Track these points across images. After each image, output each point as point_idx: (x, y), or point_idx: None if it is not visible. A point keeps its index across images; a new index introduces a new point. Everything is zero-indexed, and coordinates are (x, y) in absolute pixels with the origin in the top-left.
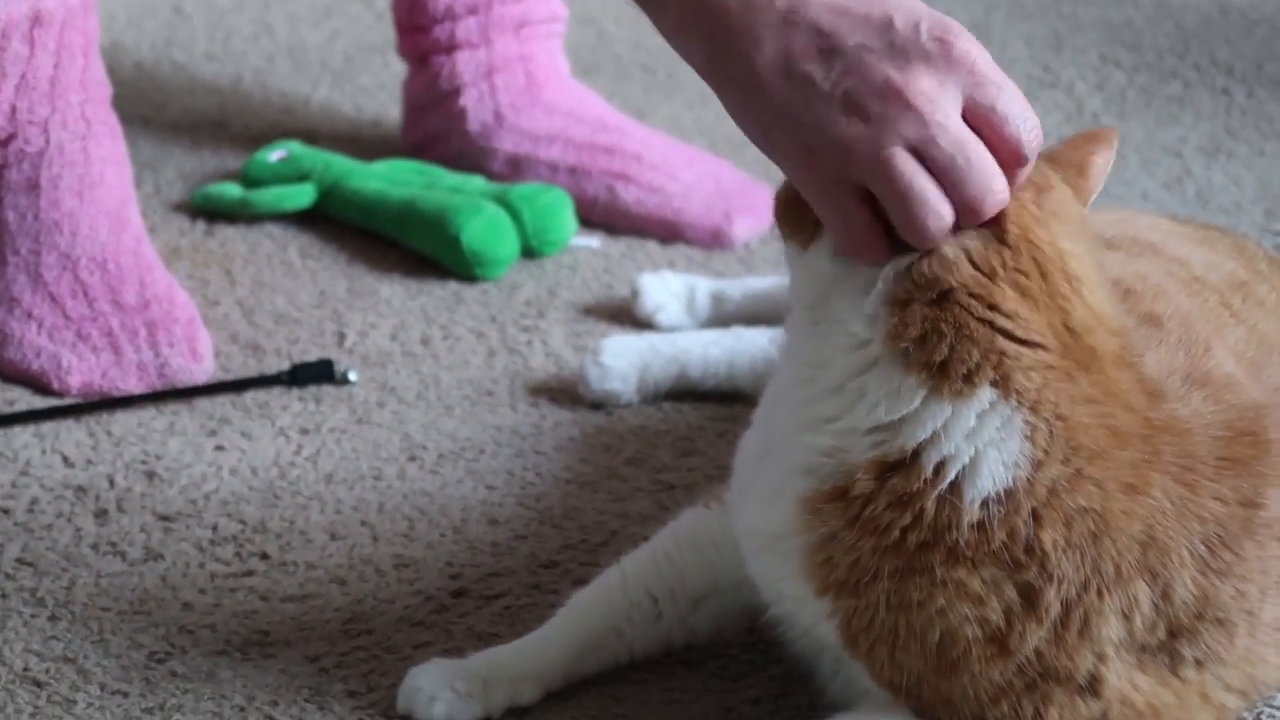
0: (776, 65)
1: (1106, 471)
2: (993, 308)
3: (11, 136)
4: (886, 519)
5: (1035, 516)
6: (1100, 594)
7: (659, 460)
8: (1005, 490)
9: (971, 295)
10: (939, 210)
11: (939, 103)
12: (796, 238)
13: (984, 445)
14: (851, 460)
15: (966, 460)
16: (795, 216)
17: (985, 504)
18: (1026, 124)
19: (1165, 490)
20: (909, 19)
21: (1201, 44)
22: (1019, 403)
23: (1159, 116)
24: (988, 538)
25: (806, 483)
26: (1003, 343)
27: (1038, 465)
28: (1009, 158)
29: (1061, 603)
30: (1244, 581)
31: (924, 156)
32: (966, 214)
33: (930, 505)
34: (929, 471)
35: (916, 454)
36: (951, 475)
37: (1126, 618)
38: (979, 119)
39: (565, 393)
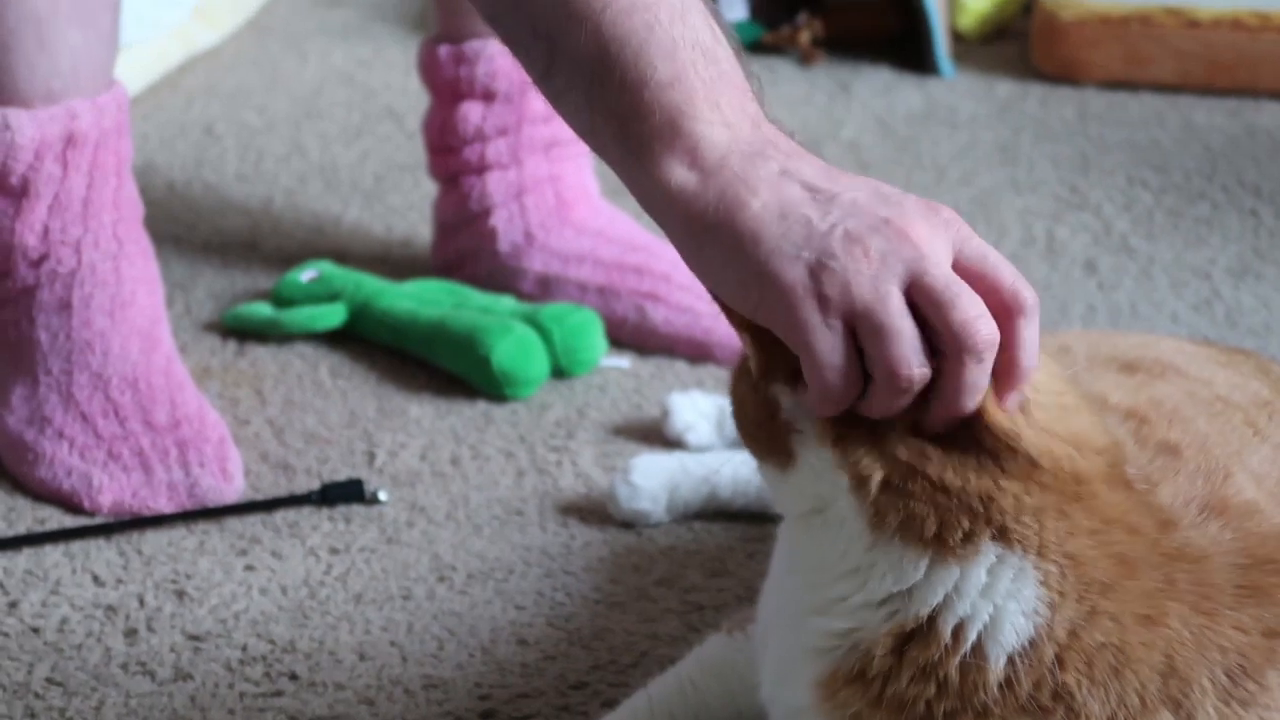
0: (772, 210)
1: (1121, 604)
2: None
3: (44, 257)
4: (911, 694)
5: (1058, 661)
6: None
7: (689, 581)
8: (1030, 641)
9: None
10: (921, 359)
11: (934, 243)
12: (774, 459)
13: (1001, 600)
14: (866, 637)
15: (986, 619)
16: (766, 438)
17: (1011, 660)
18: (1021, 280)
19: (1183, 619)
20: (893, 188)
21: (1229, 165)
22: (1024, 550)
23: (1187, 238)
24: (1016, 693)
25: (821, 665)
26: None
27: (1055, 608)
28: (1004, 306)
29: None
30: (1269, 711)
31: (918, 289)
32: (952, 344)
33: (954, 673)
34: (948, 637)
35: (933, 620)
36: (973, 637)
37: None
38: (970, 271)
39: (595, 513)
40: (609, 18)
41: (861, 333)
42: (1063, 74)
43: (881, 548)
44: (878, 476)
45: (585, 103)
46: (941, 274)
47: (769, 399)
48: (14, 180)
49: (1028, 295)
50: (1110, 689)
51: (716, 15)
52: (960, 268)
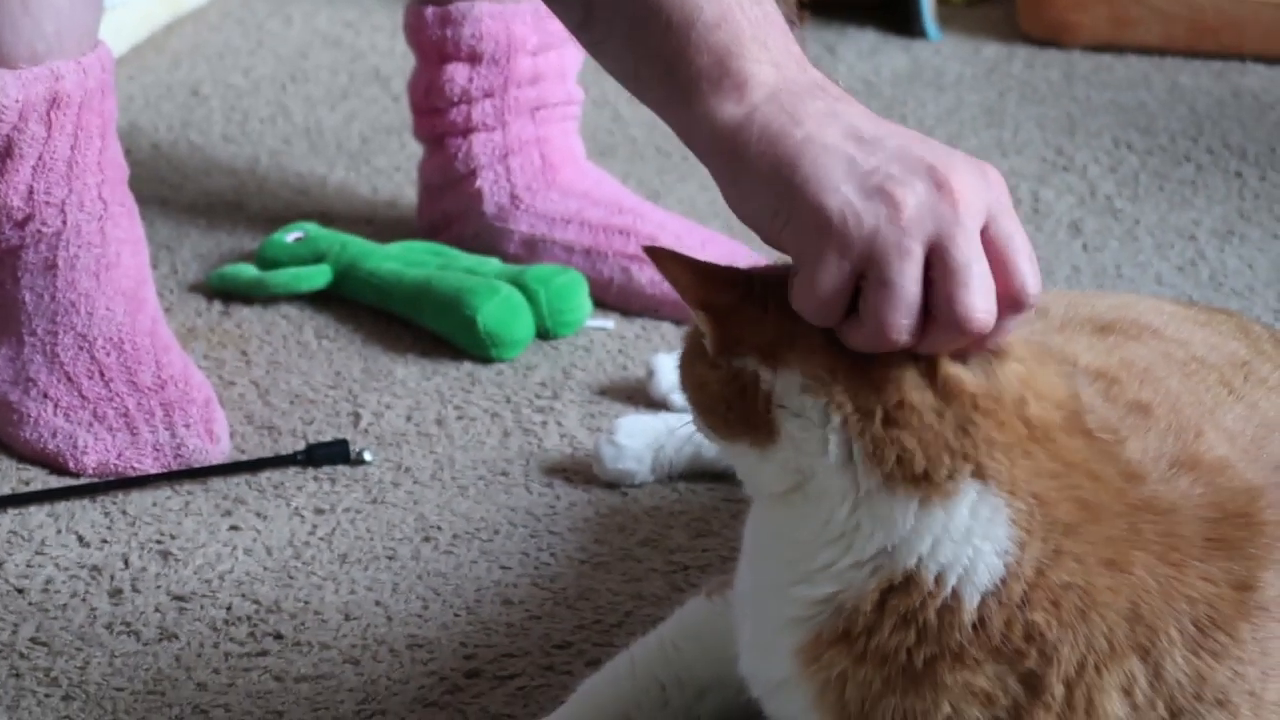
0: (815, 142)
1: (1085, 546)
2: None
3: (29, 217)
4: (893, 644)
5: (1026, 599)
6: (1099, 670)
7: (673, 541)
8: (1000, 579)
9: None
10: (912, 326)
11: (971, 205)
12: (749, 437)
13: (979, 540)
14: (851, 597)
15: (966, 561)
16: (739, 417)
17: (983, 599)
18: (1035, 274)
19: (1148, 568)
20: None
21: (1214, 127)
22: (998, 486)
23: (1172, 200)
24: (988, 633)
25: (802, 633)
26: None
27: (1024, 546)
28: (1008, 296)
29: (1064, 684)
30: (1242, 664)
31: (938, 253)
32: (946, 324)
33: (933, 617)
34: (931, 583)
35: (917, 568)
36: (952, 580)
37: (1128, 694)
38: (993, 247)
39: (580, 473)
40: None
41: (868, 277)
42: (1049, 36)
43: (868, 504)
44: (878, 412)
45: (628, 46)
46: (966, 247)
47: (737, 374)
48: None
49: (1032, 295)
50: (1078, 631)
51: None
52: (985, 238)
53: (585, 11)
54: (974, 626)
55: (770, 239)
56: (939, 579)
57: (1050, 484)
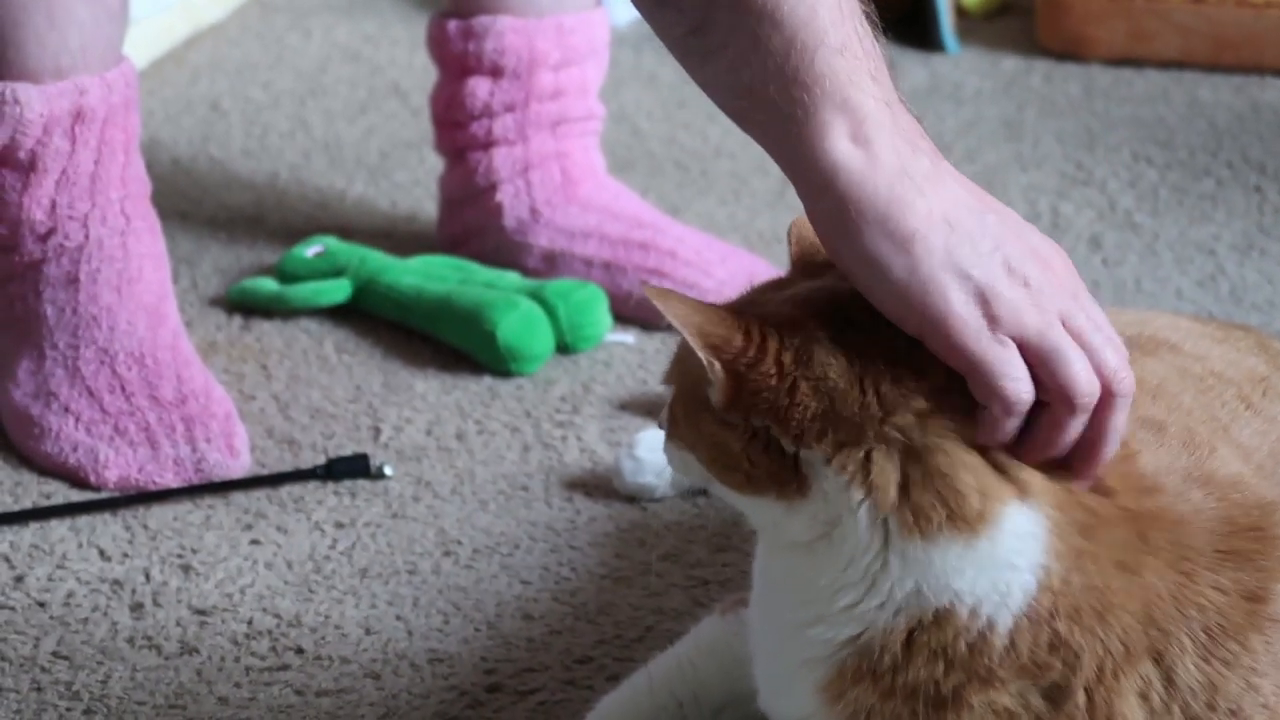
0: (938, 217)
1: (1098, 547)
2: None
3: (51, 231)
4: (922, 677)
5: (1054, 610)
6: (1116, 675)
7: (694, 556)
8: (1033, 597)
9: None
10: (1093, 379)
11: (1079, 286)
12: (778, 491)
13: (1018, 560)
14: (873, 637)
15: (1003, 587)
16: (766, 473)
17: (1016, 621)
18: (1124, 360)
19: (1158, 573)
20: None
21: (1234, 142)
22: (1036, 501)
23: (1192, 214)
24: (1017, 652)
25: (824, 670)
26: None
27: (1056, 556)
28: (1104, 383)
29: (1085, 690)
30: (1255, 675)
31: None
32: (1065, 394)
33: (964, 648)
34: (965, 617)
35: (951, 606)
36: (988, 610)
37: (1144, 698)
38: (1080, 334)
39: (600, 488)
40: None
41: (1032, 358)
42: (1068, 50)
43: (901, 549)
44: (919, 472)
45: (743, 61)
46: (1090, 318)
47: (757, 433)
48: (22, 155)
49: (1127, 383)
50: (1097, 634)
51: None
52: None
53: (702, 16)
54: (1005, 650)
55: (897, 314)
56: (974, 612)
57: (1065, 491)
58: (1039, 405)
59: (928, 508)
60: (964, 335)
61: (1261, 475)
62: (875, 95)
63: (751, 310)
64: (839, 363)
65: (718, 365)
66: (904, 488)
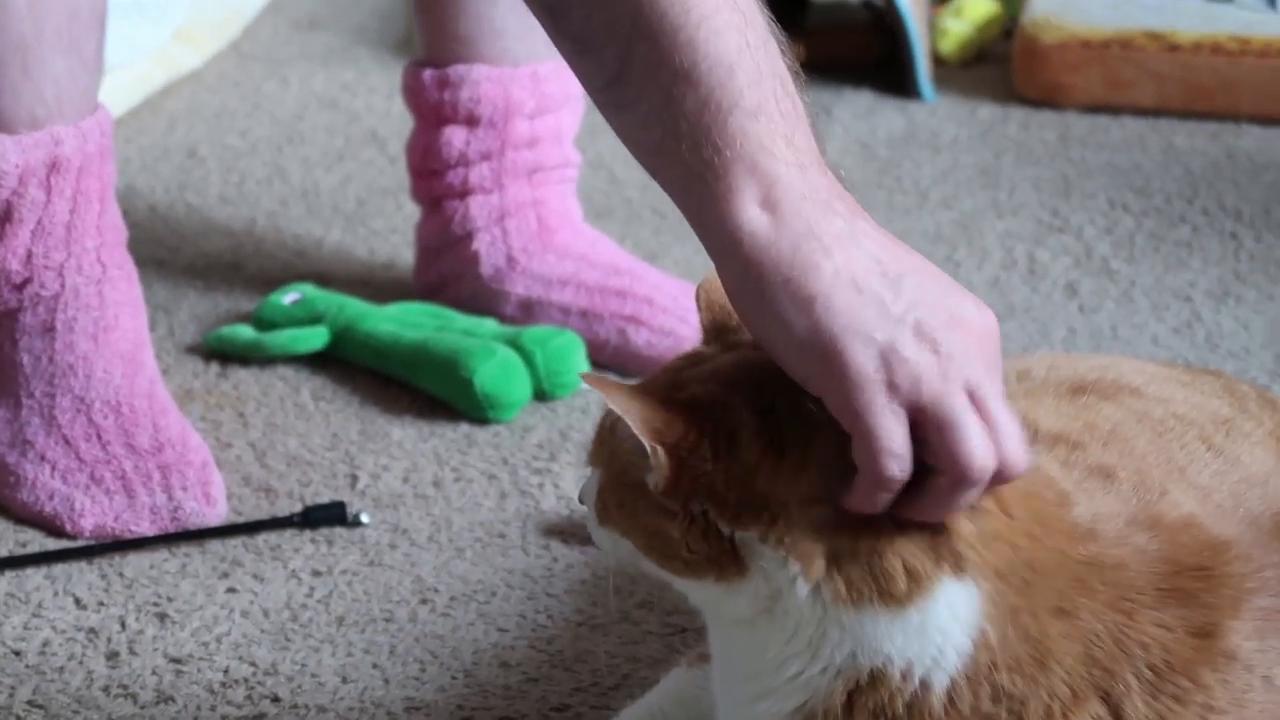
0: (844, 278)
1: (1033, 599)
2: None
3: (27, 280)
4: None
5: (992, 665)
6: (1065, 716)
7: (670, 603)
8: (969, 657)
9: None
10: (988, 453)
11: (993, 356)
12: (716, 573)
13: (948, 626)
14: (817, 704)
15: (935, 651)
16: (705, 558)
17: (953, 681)
18: (1025, 447)
19: (1095, 614)
20: (942, 274)
21: (1210, 189)
22: (972, 575)
23: (1168, 261)
24: (959, 709)
25: None
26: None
27: (990, 620)
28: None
29: None
30: (1212, 712)
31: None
32: (959, 467)
33: (901, 709)
34: (898, 679)
35: (882, 667)
36: (920, 672)
37: None
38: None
39: (577, 535)
40: (703, 34)
41: (929, 426)
42: (1044, 98)
43: (836, 619)
44: (849, 554)
45: (655, 118)
46: (994, 397)
47: (695, 518)
48: None
49: (1021, 465)
50: (1039, 681)
51: (782, 39)
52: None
53: (619, 69)
54: (945, 708)
55: (800, 376)
56: (906, 673)
57: (1001, 549)
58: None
59: (858, 580)
60: (856, 399)
61: (1221, 515)
62: (788, 160)
63: (681, 392)
64: (759, 443)
65: (661, 451)
66: (833, 559)
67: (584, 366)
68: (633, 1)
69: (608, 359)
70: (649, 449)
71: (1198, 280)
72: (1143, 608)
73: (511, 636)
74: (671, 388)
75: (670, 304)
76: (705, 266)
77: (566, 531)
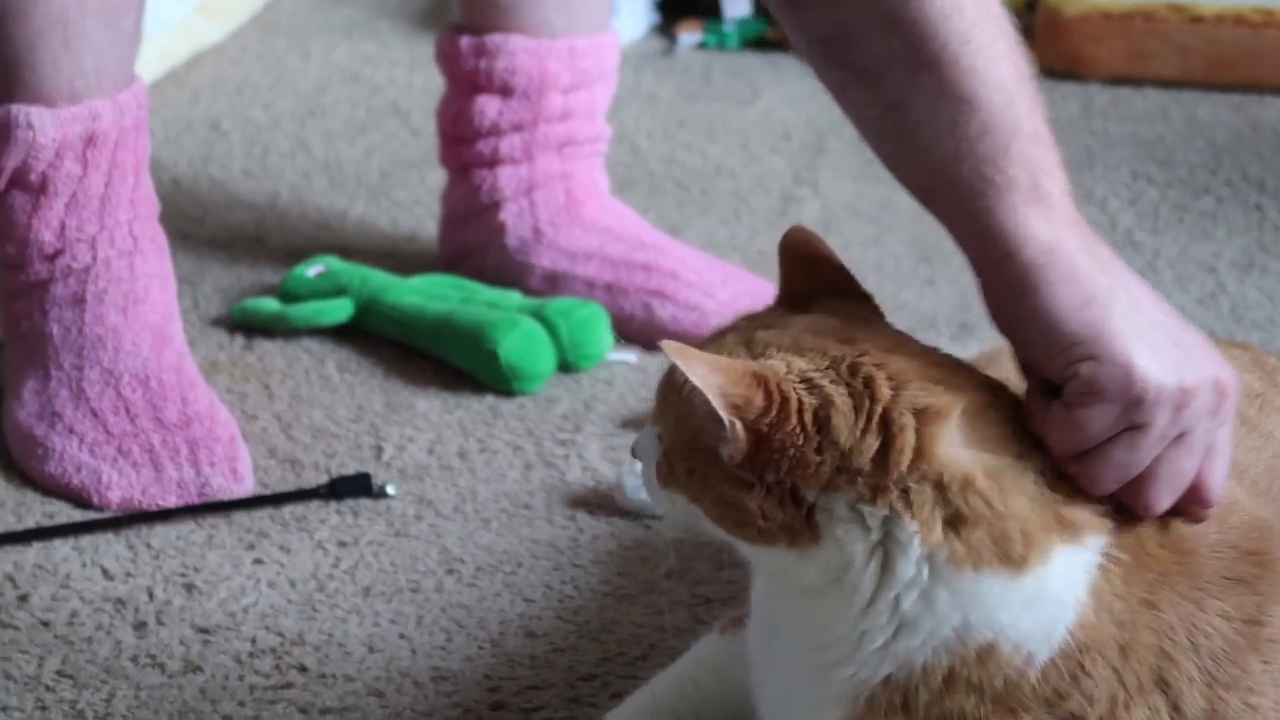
0: (1120, 290)
1: (1132, 585)
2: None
3: (59, 252)
4: (952, 707)
5: (1085, 646)
6: (1127, 706)
7: (697, 573)
8: (1070, 633)
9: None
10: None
11: (1230, 419)
12: (789, 541)
13: (1065, 596)
14: (907, 673)
15: (1047, 624)
16: (780, 526)
17: (1051, 656)
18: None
19: (1173, 606)
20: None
21: (1233, 160)
22: (1081, 546)
23: (1192, 232)
24: (1045, 683)
25: (849, 709)
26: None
27: (1097, 595)
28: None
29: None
30: (1253, 694)
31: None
32: (1171, 485)
33: (1000, 683)
34: (1008, 653)
35: (994, 641)
36: (1029, 646)
37: None
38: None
39: (602, 506)
40: (982, 63)
41: (1144, 430)
42: (1066, 70)
43: (949, 584)
44: (963, 514)
45: (938, 141)
46: (1226, 453)
47: (772, 488)
48: (33, 177)
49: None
50: (1117, 669)
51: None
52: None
53: (900, 96)
54: (1037, 681)
55: (1045, 360)
56: (1017, 646)
57: (1110, 532)
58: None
59: (976, 543)
60: (1133, 403)
61: (1255, 493)
62: (1061, 186)
63: (759, 359)
64: (863, 409)
65: (739, 426)
66: (950, 523)
67: (609, 338)
68: (913, 33)
69: (633, 333)
70: (727, 423)
71: (1222, 251)
72: (1210, 596)
73: (538, 607)
74: (749, 354)
75: (695, 278)
76: (729, 240)
77: (592, 502)
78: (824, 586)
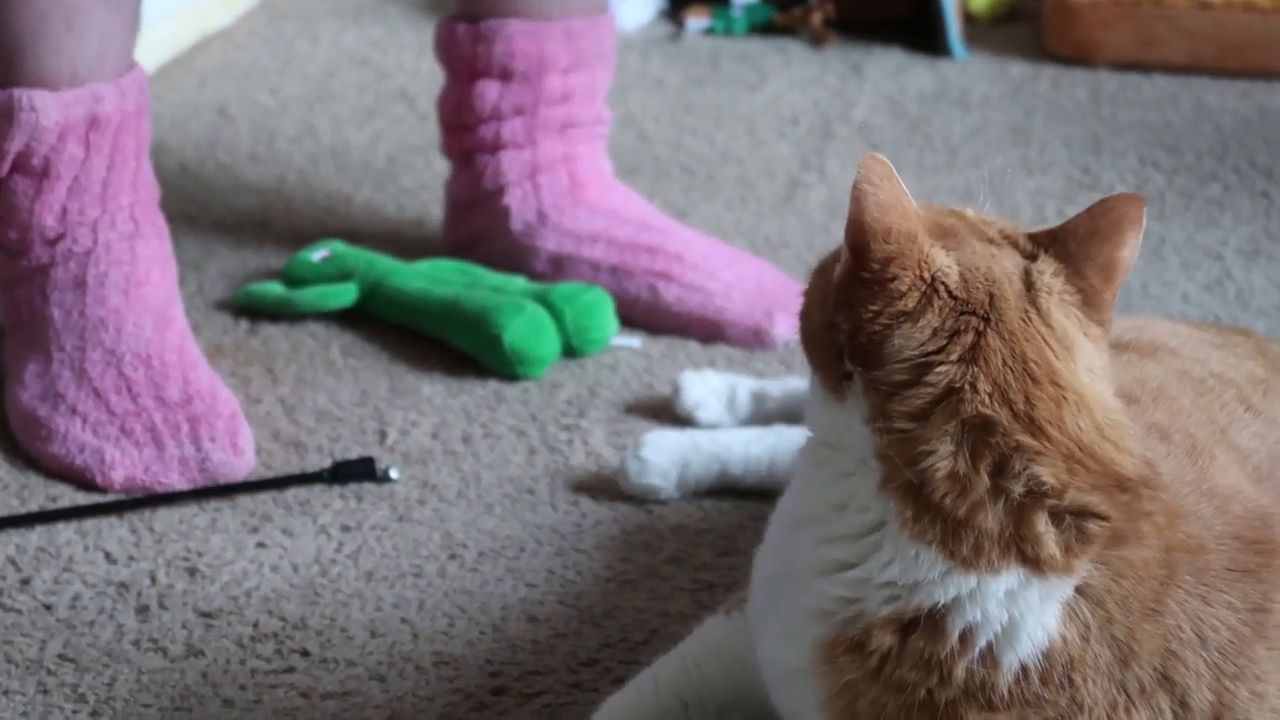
0: None
1: (1130, 608)
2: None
3: (61, 236)
4: (912, 678)
5: (1071, 663)
6: (1128, 711)
7: (699, 559)
8: (1044, 651)
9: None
10: None
11: None
12: (825, 376)
13: (1020, 611)
14: (867, 610)
15: (999, 628)
16: (821, 355)
17: (1024, 664)
18: None
19: (1181, 606)
20: None
21: (1240, 147)
22: (1049, 579)
23: (1199, 219)
24: (1024, 690)
25: (822, 628)
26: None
27: (1072, 626)
28: None
29: None
30: (1260, 682)
31: None
32: None
33: (961, 671)
34: (955, 639)
35: (938, 617)
36: (982, 643)
37: None
38: None
39: (606, 491)
40: None
41: None
42: (1075, 55)
43: (891, 536)
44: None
45: None
46: None
47: (833, 323)
48: (35, 161)
49: None
50: (1114, 678)
51: None
52: None
53: None
54: (1012, 684)
55: None
56: (965, 636)
57: (1128, 555)
58: None
59: (927, 523)
60: None
61: (1258, 478)
62: None
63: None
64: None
65: (851, 257)
66: (910, 489)
67: (613, 323)
68: None
69: (638, 315)
70: (850, 243)
71: (1229, 238)
72: (1217, 590)
73: (540, 592)
74: (930, 225)
75: (700, 260)
76: (734, 224)
77: (595, 487)
78: (832, 447)
